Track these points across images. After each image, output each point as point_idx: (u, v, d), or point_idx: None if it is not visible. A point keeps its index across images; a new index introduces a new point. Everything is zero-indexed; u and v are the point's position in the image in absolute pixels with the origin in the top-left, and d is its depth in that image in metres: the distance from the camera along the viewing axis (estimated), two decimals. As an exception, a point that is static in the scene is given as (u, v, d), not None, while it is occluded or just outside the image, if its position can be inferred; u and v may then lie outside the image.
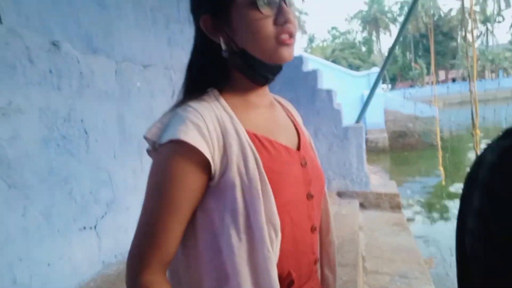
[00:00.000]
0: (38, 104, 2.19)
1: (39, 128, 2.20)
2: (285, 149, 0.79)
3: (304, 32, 60.53)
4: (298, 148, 0.84)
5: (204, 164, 0.70)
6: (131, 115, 2.98)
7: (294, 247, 0.77)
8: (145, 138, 0.74)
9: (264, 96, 0.84)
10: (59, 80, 2.36)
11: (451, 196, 7.74)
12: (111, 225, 2.69)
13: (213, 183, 0.71)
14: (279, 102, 0.94)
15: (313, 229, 0.82)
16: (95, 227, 2.55)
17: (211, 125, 0.71)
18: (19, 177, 2.06)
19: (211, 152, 0.70)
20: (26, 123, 2.11)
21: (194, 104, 0.73)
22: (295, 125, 0.90)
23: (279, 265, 0.74)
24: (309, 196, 0.81)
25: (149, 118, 3.14)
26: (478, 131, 5.45)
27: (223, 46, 0.75)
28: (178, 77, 3.79)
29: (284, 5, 0.73)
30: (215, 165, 0.70)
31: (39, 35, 2.25)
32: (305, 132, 0.94)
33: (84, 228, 2.47)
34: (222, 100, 0.77)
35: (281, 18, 0.73)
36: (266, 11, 0.72)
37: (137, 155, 2.97)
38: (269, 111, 0.84)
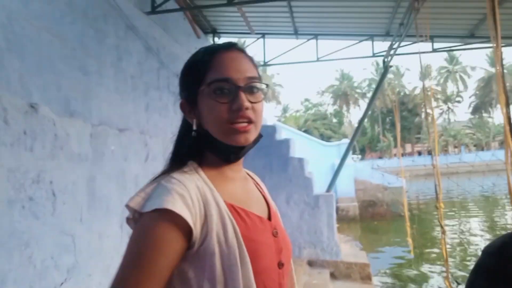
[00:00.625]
0: (7, 165, 2.17)
1: (5, 189, 2.15)
2: (259, 219, 0.85)
3: (278, 102, 63.04)
4: (269, 218, 0.90)
5: (185, 231, 0.73)
6: (103, 178, 2.97)
7: None
8: (127, 206, 0.77)
9: (238, 170, 0.91)
10: (32, 142, 2.36)
11: (419, 266, 7.75)
12: (70, 293, 2.54)
13: (192, 250, 0.74)
14: (249, 175, 1.01)
15: None
16: (52, 296, 2.41)
17: (194, 195, 0.76)
18: (-22, 240, 1.97)
19: (194, 221, 0.73)
20: (-7, 183, 2.07)
21: (177, 176, 0.79)
22: (264, 197, 0.97)
23: None
24: (280, 265, 0.85)
25: (120, 181, 3.13)
26: (441, 204, 5.66)
27: (194, 127, 0.85)
28: (153, 142, 3.85)
29: (241, 93, 0.81)
30: (196, 233, 0.74)
31: (18, 97, 2.30)
32: (273, 203, 1.00)
33: (41, 296, 2.32)
34: (201, 172, 0.83)
35: (235, 106, 0.80)
36: (222, 99, 0.81)
37: (105, 218, 2.91)
38: (243, 184, 0.92)
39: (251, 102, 0.82)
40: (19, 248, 2.20)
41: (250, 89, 0.83)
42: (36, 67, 2.48)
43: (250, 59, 0.88)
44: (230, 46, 0.86)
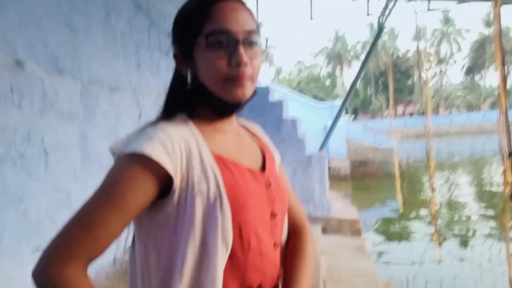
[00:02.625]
0: (-4, 122, 2.15)
1: (-4, 146, 2.14)
2: (248, 171, 0.85)
3: (271, 64, 62.19)
4: (263, 169, 0.90)
5: (162, 178, 0.73)
6: (95, 136, 2.95)
7: (261, 261, 0.82)
8: (110, 149, 0.78)
9: (230, 124, 0.89)
10: (20, 99, 2.32)
11: (408, 223, 8.01)
12: (68, 248, 2.60)
13: (172, 199, 0.75)
14: (245, 127, 1.00)
15: (275, 246, 0.87)
16: (50, 251, 2.46)
17: (177, 145, 0.75)
18: (-28, 196, 1.98)
19: (174, 169, 0.74)
20: (-17, 140, 2.05)
21: (163, 125, 0.78)
22: (261, 147, 0.96)
23: (249, 278, 0.79)
24: (273, 215, 0.86)
25: (113, 139, 3.10)
26: (432, 163, 5.78)
27: (188, 79, 0.83)
28: (146, 101, 3.81)
29: (239, 47, 0.78)
30: (176, 181, 0.74)
31: (2, 53, 2.23)
32: (273, 154, 0.99)
33: (38, 249, 2.37)
34: (191, 124, 0.82)
35: (233, 60, 0.78)
36: (220, 52, 0.78)
37: (99, 176, 2.90)
38: (235, 136, 0.90)
39: (250, 57, 0.80)
40: (13, 203, 2.22)
41: (249, 43, 0.80)
42: (20, 23, 2.39)
43: (249, 11, 0.84)
44: None
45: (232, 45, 0.78)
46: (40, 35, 2.54)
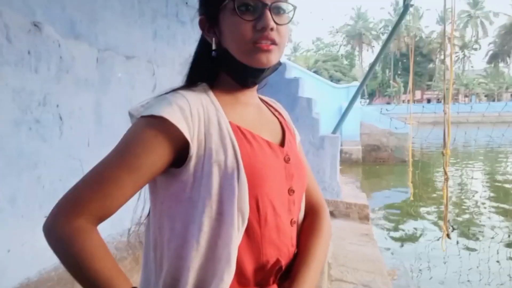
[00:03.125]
0: (12, 85, 2.13)
1: (11, 109, 2.13)
2: (267, 144, 0.82)
3: (289, 40, 61.25)
4: (282, 145, 0.87)
5: (179, 142, 0.72)
6: (109, 105, 2.94)
7: (277, 236, 0.80)
8: (129, 113, 0.79)
9: (252, 96, 0.88)
10: (37, 63, 2.30)
11: (417, 211, 7.97)
12: (79, 215, 2.63)
13: (189, 165, 0.74)
14: (267, 102, 0.98)
15: (292, 223, 0.85)
16: (61, 216, 2.50)
17: (195, 111, 0.74)
18: (-14, 158, 1.99)
19: (191, 135, 0.72)
20: (-2, 103, 2.05)
21: (183, 91, 0.77)
22: (281, 124, 0.93)
23: (266, 253, 0.78)
24: (291, 191, 0.84)
25: (127, 109, 3.10)
26: (448, 151, 5.65)
27: (213, 46, 0.81)
28: (161, 71, 3.76)
29: (267, 12, 0.75)
30: (194, 147, 0.73)
31: (20, 14, 2.19)
32: (293, 131, 0.97)
33: (50, 215, 2.41)
34: (211, 93, 0.81)
35: (259, 25, 0.75)
36: (247, 16, 0.75)
37: (113, 145, 2.92)
38: (256, 109, 0.89)
39: (277, 24, 0.77)
40: (27, 168, 2.24)
41: (277, 9, 0.77)
42: (38, -17, 2.34)
43: None
44: None
45: (260, 10, 0.76)
46: (58, -2, 2.49)
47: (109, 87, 2.95)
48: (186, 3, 4.40)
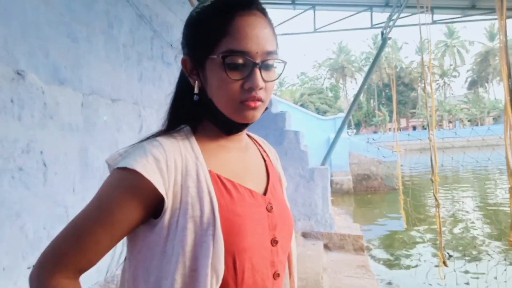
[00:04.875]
0: (-5, 134, 2.11)
1: (-6, 158, 2.10)
2: (249, 193, 0.79)
3: (274, 76, 62.48)
4: (266, 192, 0.84)
5: (154, 196, 0.70)
6: (95, 148, 2.91)
7: None
8: (106, 161, 0.76)
9: (238, 140, 0.84)
10: (20, 110, 2.29)
11: (412, 239, 7.89)
12: (64, 263, 2.54)
13: (163, 219, 0.71)
14: (256, 142, 0.95)
15: (275, 276, 0.80)
16: (46, 266, 2.40)
17: (172, 162, 0.71)
18: (-33, 210, 1.93)
19: (166, 188, 0.70)
20: (-20, 153, 2.01)
21: (162, 139, 0.74)
22: (267, 167, 0.90)
23: None
24: (274, 242, 0.80)
25: (113, 151, 3.08)
26: (437, 178, 5.69)
27: (196, 90, 0.78)
28: (148, 113, 3.78)
29: (256, 71, 0.72)
30: (168, 201, 0.71)
31: (3, 63, 2.20)
32: (278, 174, 0.94)
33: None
34: (193, 139, 0.78)
35: (248, 84, 0.72)
36: (235, 75, 0.72)
37: (98, 190, 2.87)
38: (241, 154, 0.84)
39: (265, 81, 0.74)
40: (10, 218, 2.17)
41: (267, 65, 0.75)
42: (22, 32, 2.37)
43: (271, 26, 0.78)
44: (250, 4, 0.74)
45: (249, 68, 0.72)
46: (42, 45, 2.52)
47: (95, 130, 2.94)
48: (171, 45, 4.49)
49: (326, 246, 5.03)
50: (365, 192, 13.08)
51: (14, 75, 2.26)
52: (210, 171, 0.75)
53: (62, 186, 2.57)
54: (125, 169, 0.69)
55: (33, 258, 2.31)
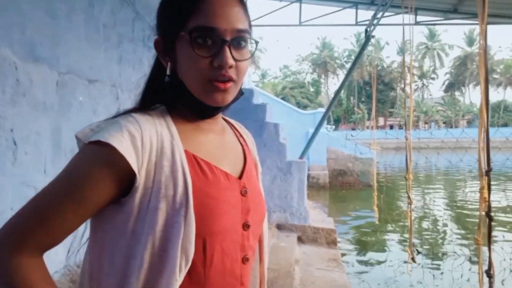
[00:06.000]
0: (-37, 108, 2.02)
1: (-40, 134, 2.01)
2: (224, 176, 0.78)
3: (257, 67, 62.29)
4: (241, 176, 0.83)
5: (126, 173, 0.68)
6: (69, 130, 2.83)
7: (222, 277, 0.76)
8: (76, 137, 0.73)
9: (214, 123, 0.83)
10: (-9, 85, 2.19)
11: (383, 235, 8.09)
12: (32, 246, 2.47)
13: (134, 198, 0.69)
14: (233, 126, 0.94)
15: (244, 260, 0.80)
16: (12, 248, 2.33)
17: (148, 140, 0.69)
18: None
19: (139, 166, 0.68)
20: None
21: (137, 115, 0.72)
22: (244, 152, 0.89)
23: None
24: (245, 226, 0.79)
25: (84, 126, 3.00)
26: (411, 176, 5.83)
27: (168, 71, 0.76)
28: (126, 96, 3.70)
29: (225, 48, 0.71)
30: (140, 179, 0.69)
31: (-26, 35, 2.10)
32: (254, 160, 0.93)
33: None
34: (168, 118, 0.76)
35: (217, 62, 0.71)
36: (203, 51, 0.71)
37: (71, 172, 2.80)
38: (218, 136, 0.83)
39: (236, 60, 0.72)
40: (-25, 197, 2.09)
41: (238, 44, 0.73)
42: (-3, 5, 2.26)
43: (243, 6, 0.76)
44: None
45: (218, 45, 0.71)
46: (18, 20, 2.41)
47: (70, 111, 2.86)
48: (153, 28, 4.40)
49: (299, 239, 5.09)
50: (341, 187, 13.30)
51: (-15, 48, 2.16)
52: (186, 151, 0.74)
53: (32, 166, 2.49)
54: (98, 143, 0.66)
55: (-1, 239, 2.24)
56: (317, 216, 6.11)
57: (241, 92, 0.80)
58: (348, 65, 57.17)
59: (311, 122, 12.95)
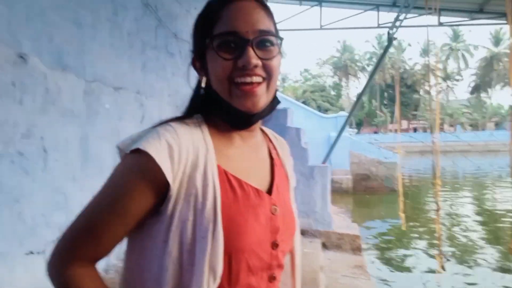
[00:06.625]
0: (-5, 117, 2.08)
1: (-7, 142, 2.07)
2: (255, 192, 0.77)
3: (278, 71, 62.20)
4: (270, 191, 0.81)
5: (161, 184, 0.69)
6: (96, 136, 2.89)
7: None
8: (118, 147, 0.74)
9: (250, 136, 0.82)
10: (22, 94, 2.25)
11: (410, 242, 7.88)
12: (61, 251, 2.51)
13: (167, 208, 0.70)
14: (268, 137, 0.92)
15: (271, 278, 0.79)
16: (43, 252, 2.37)
17: (184, 151, 0.70)
18: (-36, 193, 1.90)
19: (173, 176, 0.68)
20: (-20, 136, 1.98)
21: (175, 125, 0.73)
22: (272, 168, 0.86)
23: None
24: (274, 245, 0.78)
25: (114, 141, 3.05)
26: (438, 181, 5.66)
27: (203, 84, 0.78)
28: (150, 103, 3.75)
29: (248, 48, 0.71)
30: (174, 188, 0.69)
31: (5, 46, 2.17)
32: (285, 174, 0.90)
33: (31, 252, 2.29)
34: (205, 128, 0.76)
35: (240, 62, 0.71)
36: (226, 54, 0.72)
37: (99, 178, 2.84)
38: (250, 152, 0.82)
39: (262, 59, 0.72)
40: (8, 203, 2.15)
41: (262, 44, 0.73)
42: (26, 16, 2.33)
43: (266, 9, 0.77)
44: None
45: (241, 46, 0.72)
46: (46, 30, 2.48)
47: (96, 118, 2.91)
48: (175, 35, 4.45)
49: (323, 245, 5.01)
50: (364, 192, 13.07)
51: (16, 59, 2.22)
52: (218, 166, 0.74)
53: (62, 173, 2.55)
54: (137, 151, 0.68)
55: (30, 244, 2.28)
56: (341, 221, 6.01)
57: (277, 101, 0.79)
58: (369, 68, 56.48)
59: (332, 126, 12.81)
